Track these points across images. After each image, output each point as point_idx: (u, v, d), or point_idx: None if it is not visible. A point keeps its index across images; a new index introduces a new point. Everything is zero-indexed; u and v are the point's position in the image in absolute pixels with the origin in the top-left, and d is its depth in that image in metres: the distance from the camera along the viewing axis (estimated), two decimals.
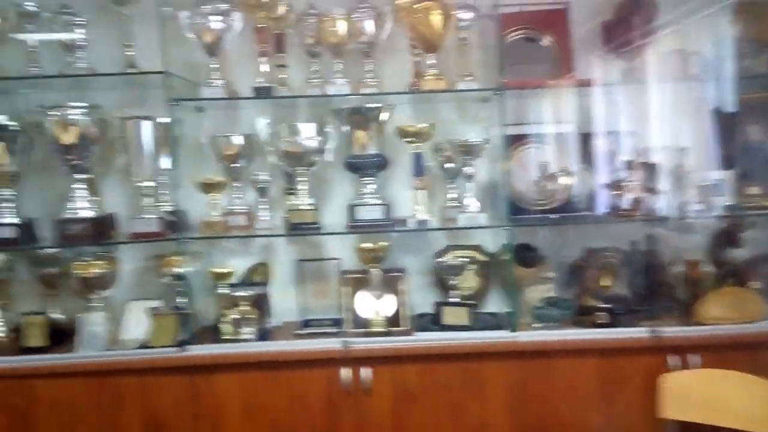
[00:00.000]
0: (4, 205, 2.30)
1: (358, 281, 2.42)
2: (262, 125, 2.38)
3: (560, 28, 2.51)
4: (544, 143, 2.49)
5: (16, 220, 2.30)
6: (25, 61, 2.35)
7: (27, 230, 2.33)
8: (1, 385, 2.21)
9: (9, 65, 2.36)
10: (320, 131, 2.36)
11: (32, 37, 2.37)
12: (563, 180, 2.45)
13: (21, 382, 2.22)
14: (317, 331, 2.38)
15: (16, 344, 2.31)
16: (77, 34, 2.36)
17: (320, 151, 2.38)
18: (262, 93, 2.35)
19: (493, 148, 2.42)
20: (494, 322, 2.41)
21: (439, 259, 2.54)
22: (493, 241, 2.56)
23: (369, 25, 2.41)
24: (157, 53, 2.24)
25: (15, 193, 2.32)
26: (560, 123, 2.49)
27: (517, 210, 2.41)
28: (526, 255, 2.49)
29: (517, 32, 2.52)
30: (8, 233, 2.27)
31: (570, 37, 2.51)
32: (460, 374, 2.28)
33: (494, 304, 2.60)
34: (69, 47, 2.36)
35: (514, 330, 2.30)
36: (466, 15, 2.42)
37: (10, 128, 2.28)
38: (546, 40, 2.52)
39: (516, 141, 2.48)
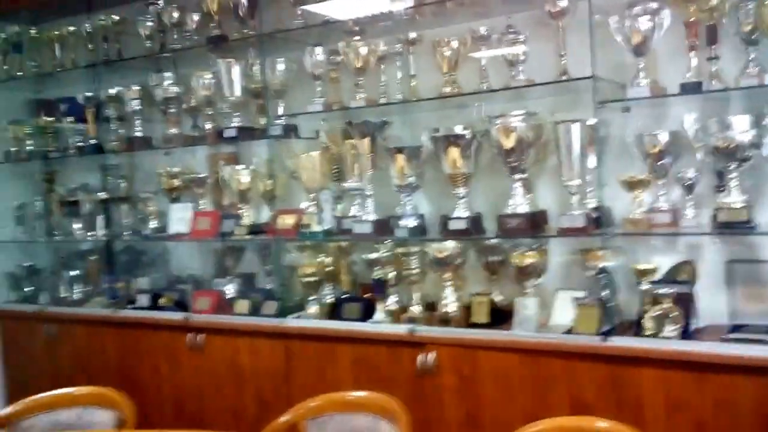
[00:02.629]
0: (458, 201, 2.93)
1: None
2: (689, 121, 2.50)
3: None
4: None
5: (467, 214, 2.90)
6: (477, 77, 2.98)
7: (476, 223, 2.90)
8: (454, 352, 2.82)
9: (464, 82, 3.01)
10: (756, 124, 2.37)
11: (484, 56, 2.98)
12: None
13: (468, 351, 2.79)
14: (748, 337, 2.38)
15: (465, 319, 2.90)
16: (519, 50, 2.87)
17: (755, 145, 2.38)
18: (690, 89, 2.47)
19: None
20: None
21: None
22: None
23: None
24: (586, 59, 2.58)
25: (467, 191, 2.94)
26: None
27: None
28: None
29: None
30: (461, 225, 2.89)
31: None
32: None
33: None
34: (512, 62, 2.88)
35: None
36: None
37: (465, 136, 2.90)
38: None
39: None
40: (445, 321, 2.92)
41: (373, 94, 3.17)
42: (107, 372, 3.74)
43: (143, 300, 3.71)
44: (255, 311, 3.36)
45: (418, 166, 3.04)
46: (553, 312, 2.81)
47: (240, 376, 3.36)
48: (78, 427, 2.40)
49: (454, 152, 2.89)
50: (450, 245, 2.97)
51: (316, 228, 3.23)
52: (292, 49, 3.38)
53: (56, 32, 4.09)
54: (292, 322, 3.25)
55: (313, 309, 3.27)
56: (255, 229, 3.46)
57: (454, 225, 2.90)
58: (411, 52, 3.12)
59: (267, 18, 3.38)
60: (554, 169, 2.82)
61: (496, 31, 2.93)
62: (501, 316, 2.88)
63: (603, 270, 2.69)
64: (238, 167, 3.52)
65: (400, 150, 3.04)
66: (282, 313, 3.28)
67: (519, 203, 2.80)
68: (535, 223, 2.79)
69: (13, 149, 4.24)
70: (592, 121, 2.63)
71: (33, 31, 4.18)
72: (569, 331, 2.64)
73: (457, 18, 3.02)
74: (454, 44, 2.98)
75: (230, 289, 3.61)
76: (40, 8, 4.02)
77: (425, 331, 2.91)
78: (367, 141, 3.12)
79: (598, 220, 2.66)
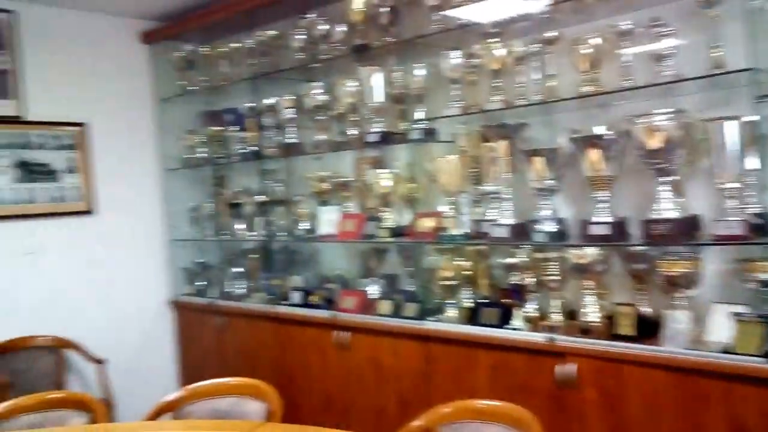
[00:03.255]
0: (600, 205, 2.67)
1: None
2: None
3: None
4: None
5: (609, 219, 2.64)
6: (619, 75, 2.69)
7: (619, 228, 2.63)
8: (596, 365, 2.59)
9: (606, 80, 2.74)
10: None
11: (627, 52, 2.69)
12: None
13: (612, 365, 2.54)
14: None
15: (608, 330, 2.64)
16: (667, 43, 2.56)
17: None
18: None
19: None
20: None
21: None
22: None
23: None
24: (743, 50, 2.23)
25: (609, 195, 2.67)
26: None
27: None
28: None
29: None
30: (603, 230, 2.63)
31: None
32: None
33: None
34: (658, 57, 2.57)
35: None
36: None
37: (606, 137, 2.63)
38: None
39: None
40: (587, 331, 2.70)
41: (511, 96, 2.99)
42: (266, 363, 3.88)
43: (296, 297, 3.80)
44: (397, 312, 3.32)
45: (557, 168, 2.82)
46: (708, 327, 2.47)
47: (383, 375, 3.34)
48: (233, 415, 2.48)
49: (595, 154, 2.64)
50: (591, 251, 2.74)
51: (454, 231, 3.12)
52: (430, 54, 3.28)
53: (223, 49, 4.29)
54: (431, 325, 3.16)
55: (451, 312, 3.16)
56: (396, 232, 3.41)
57: (595, 230, 2.66)
58: (549, 52, 2.90)
59: (407, 25, 3.33)
60: (708, 170, 2.48)
61: (640, 25, 2.64)
62: (648, 328, 2.59)
63: (766, 282, 2.33)
64: (380, 171, 3.49)
65: (537, 152, 2.84)
66: (422, 315, 3.21)
67: (667, 208, 2.50)
68: (685, 230, 2.48)
69: (188, 156, 4.54)
70: (751, 118, 2.28)
71: (204, 49, 4.41)
72: (727, 350, 2.32)
73: (598, 14, 2.76)
74: (595, 41, 2.72)
75: (374, 290, 3.59)
76: (210, 28, 4.23)
77: (565, 340, 2.71)
78: (504, 143, 2.96)
79: (761, 227, 2.30)
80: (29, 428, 2.43)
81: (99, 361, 3.97)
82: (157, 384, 4.32)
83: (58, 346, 3.98)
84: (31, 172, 4.05)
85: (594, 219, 2.67)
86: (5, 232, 3.95)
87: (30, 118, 4.04)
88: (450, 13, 3.08)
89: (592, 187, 2.69)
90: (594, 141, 2.64)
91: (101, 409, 2.49)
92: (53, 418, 2.49)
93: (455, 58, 3.15)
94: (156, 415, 2.44)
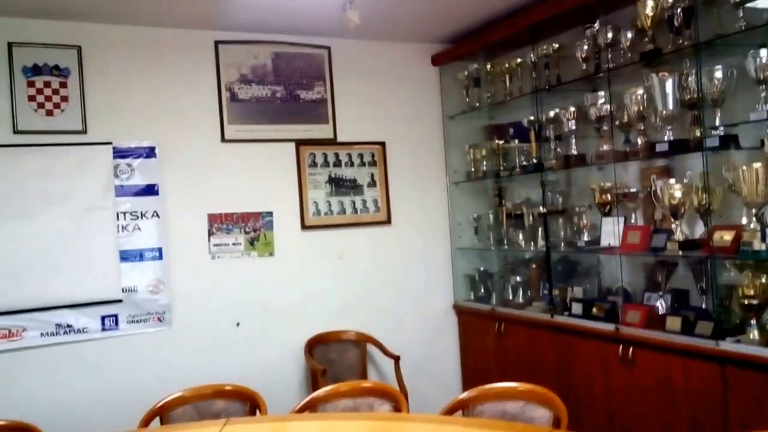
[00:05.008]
0: None
1: None
2: None
3: None
4: None
5: None
6: None
7: None
8: None
9: None
10: None
11: None
12: None
13: None
14: None
15: None
16: None
17: None
18: None
19: None
20: None
21: None
22: None
23: None
24: None
25: None
26: None
27: None
28: None
29: None
30: None
31: None
32: None
33: None
34: None
35: None
36: None
37: None
38: None
39: None
40: None
41: None
42: (544, 371, 3.81)
43: (577, 308, 3.67)
44: (687, 329, 3.02)
45: None
46: None
47: (671, 395, 3.06)
48: (521, 420, 2.45)
49: None
50: None
51: (758, 246, 2.74)
52: (732, 54, 2.94)
53: (506, 65, 4.33)
54: (729, 346, 2.81)
55: (753, 334, 2.77)
56: (688, 245, 3.10)
57: None
58: None
59: (704, 25, 3.01)
60: None
61: None
62: None
63: None
64: (670, 181, 3.21)
65: None
66: (718, 334, 2.87)
67: None
68: None
69: (472, 169, 4.66)
70: None
71: (488, 67, 4.50)
72: None
73: None
74: None
75: (661, 305, 3.31)
76: (494, 46, 4.30)
77: None
78: None
79: None
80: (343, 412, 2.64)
81: (394, 357, 4.21)
82: (442, 381, 4.48)
83: (361, 341, 4.31)
84: (340, 186, 4.50)
85: None
86: (322, 239, 4.41)
87: (340, 140, 4.49)
88: (759, 5, 2.72)
89: None
90: None
91: (403, 400, 2.62)
92: (363, 404, 2.68)
93: (763, 56, 2.77)
94: (452, 410, 2.51)
